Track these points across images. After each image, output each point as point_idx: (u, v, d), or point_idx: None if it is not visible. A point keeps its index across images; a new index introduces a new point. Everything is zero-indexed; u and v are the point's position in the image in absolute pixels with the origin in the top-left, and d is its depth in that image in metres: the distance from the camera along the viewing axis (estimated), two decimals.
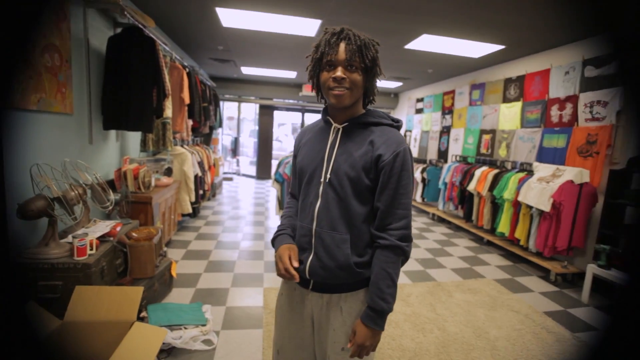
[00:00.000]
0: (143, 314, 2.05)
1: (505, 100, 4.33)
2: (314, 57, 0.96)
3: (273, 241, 1.07)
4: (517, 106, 4.11)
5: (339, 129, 1.00)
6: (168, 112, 2.96)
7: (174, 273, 2.54)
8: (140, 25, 2.53)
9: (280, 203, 3.92)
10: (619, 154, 2.98)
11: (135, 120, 2.51)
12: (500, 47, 3.76)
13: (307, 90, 7.32)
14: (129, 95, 2.47)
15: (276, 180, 3.88)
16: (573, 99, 3.38)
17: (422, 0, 2.70)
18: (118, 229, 2.09)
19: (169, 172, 3.42)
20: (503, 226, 3.71)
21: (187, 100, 3.53)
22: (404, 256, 0.95)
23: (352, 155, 0.95)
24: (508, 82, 4.28)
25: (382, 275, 0.93)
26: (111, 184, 2.63)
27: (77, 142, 2.32)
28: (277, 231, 1.08)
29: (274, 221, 4.70)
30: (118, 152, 3.01)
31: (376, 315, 0.92)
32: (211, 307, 2.34)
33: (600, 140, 3.09)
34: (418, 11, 2.93)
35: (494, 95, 4.56)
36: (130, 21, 2.51)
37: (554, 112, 3.60)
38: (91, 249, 1.76)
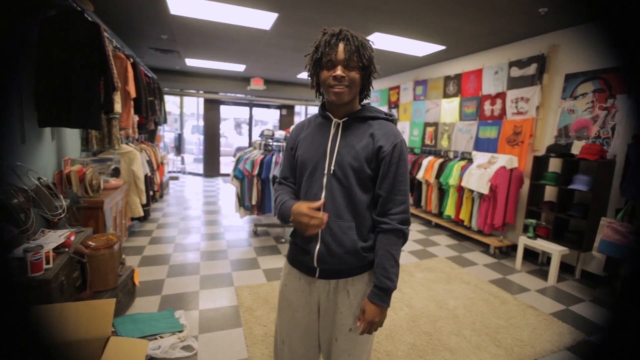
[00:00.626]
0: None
1: (446, 95, 4.78)
2: (314, 57, 1.01)
3: (280, 212, 1.07)
4: (456, 101, 4.57)
5: (339, 123, 1.06)
6: (117, 106, 2.68)
7: (136, 281, 2.36)
8: (78, 8, 2.25)
9: (240, 200, 3.83)
10: (539, 142, 3.52)
11: (80, 116, 2.23)
12: (441, 47, 4.12)
13: (256, 84, 7.15)
14: (70, 87, 2.18)
15: (235, 177, 3.78)
16: (502, 96, 3.88)
17: (377, 0, 2.85)
18: (72, 238, 1.87)
19: (116, 172, 3.11)
20: (449, 209, 4.13)
21: (133, 94, 3.23)
22: (404, 238, 1.04)
23: (354, 147, 1.02)
24: (447, 79, 4.72)
25: (386, 256, 1.01)
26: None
27: (6, 142, 1.99)
28: (279, 202, 1.09)
29: (231, 219, 4.57)
30: (54, 152, 2.65)
31: (383, 294, 1.01)
32: (184, 312, 2.23)
33: (524, 131, 3.61)
34: (372, 10, 3.08)
35: (435, 91, 4.99)
36: (67, 2, 2.21)
37: (487, 106, 4.09)
38: (47, 263, 1.56)
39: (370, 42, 1.03)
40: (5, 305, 0.83)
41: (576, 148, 3.04)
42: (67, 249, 1.78)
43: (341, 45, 0.95)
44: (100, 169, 2.95)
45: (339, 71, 0.95)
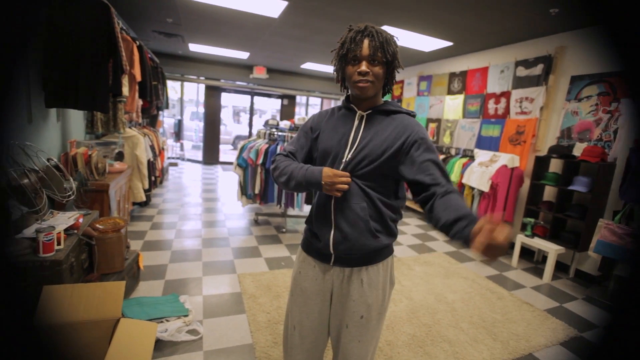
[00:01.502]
0: None
1: (450, 92, 4.78)
2: (340, 52, 1.03)
3: (307, 174, 1.04)
4: (459, 98, 4.58)
5: (363, 115, 1.08)
6: (125, 90, 2.65)
7: (141, 265, 2.38)
8: None
9: (243, 188, 3.84)
10: (541, 142, 3.56)
11: (88, 97, 2.21)
12: (448, 43, 4.12)
13: (259, 73, 7.08)
14: (78, 68, 2.16)
15: (239, 165, 3.78)
16: (507, 95, 3.90)
17: None
18: (81, 220, 1.88)
19: (120, 156, 3.09)
20: None
21: (138, 77, 3.19)
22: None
23: (377, 138, 1.04)
24: (452, 76, 4.72)
25: (460, 204, 0.90)
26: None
27: (12, 121, 1.98)
28: (301, 167, 1.08)
29: (231, 207, 4.58)
30: (59, 133, 2.63)
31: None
32: (188, 297, 2.26)
33: (527, 131, 3.65)
34: (383, 3, 3.06)
35: (439, 87, 4.99)
36: None
37: (491, 105, 4.11)
38: (58, 244, 1.57)
39: (395, 38, 1.04)
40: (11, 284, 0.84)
41: (578, 150, 3.08)
42: (76, 231, 1.79)
43: (366, 42, 0.98)
44: (104, 152, 2.93)
45: (363, 67, 0.98)
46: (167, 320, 1.93)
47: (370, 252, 1.08)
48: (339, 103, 1.20)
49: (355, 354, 1.12)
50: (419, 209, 4.85)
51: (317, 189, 1.04)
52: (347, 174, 1.01)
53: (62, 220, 1.75)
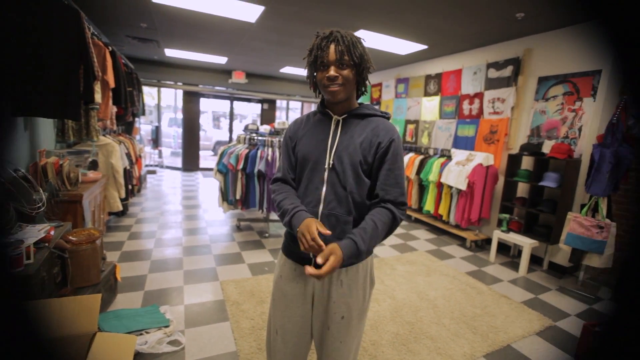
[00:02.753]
0: None
1: (426, 94, 4.91)
2: (309, 60, 1.06)
3: (290, 220, 1.04)
4: (436, 100, 4.71)
5: (339, 120, 1.10)
6: (97, 97, 2.58)
7: (118, 277, 2.30)
8: None
9: (224, 194, 3.79)
10: (513, 141, 3.71)
11: (58, 105, 2.13)
12: (424, 46, 4.24)
13: (238, 77, 7.03)
14: (47, 75, 2.08)
15: (219, 171, 3.73)
16: (480, 96, 4.04)
17: None
18: (52, 233, 1.81)
19: (94, 165, 2.99)
20: (429, 205, 4.28)
21: (112, 84, 3.10)
22: (393, 216, 1.03)
23: (353, 143, 1.06)
24: (428, 78, 4.86)
25: (368, 222, 1.01)
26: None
27: None
28: (292, 209, 1.06)
29: (213, 214, 4.51)
30: (27, 143, 2.52)
31: (353, 247, 0.96)
32: (169, 307, 2.21)
33: (500, 130, 3.79)
34: (358, 7, 3.12)
35: (416, 89, 5.12)
36: None
37: (466, 106, 4.25)
38: (27, 259, 1.51)
39: (362, 39, 1.07)
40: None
41: (547, 147, 3.23)
42: (47, 244, 1.72)
43: (332, 47, 1.00)
44: (77, 162, 2.83)
45: (332, 71, 1.01)
46: (147, 332, 1.88)
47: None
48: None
49: (338, 355, 1.13)
50: None
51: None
52: (321, 244, 0.93)
53: (32, 233, 1.68)
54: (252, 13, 3.43)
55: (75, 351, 1.41)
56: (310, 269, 0.90)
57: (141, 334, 1.86)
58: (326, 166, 1.07)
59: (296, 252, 1.13)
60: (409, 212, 4.81)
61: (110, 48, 3.16)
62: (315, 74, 1.06)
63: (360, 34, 3.94)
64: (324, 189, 1.07)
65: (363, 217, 1.08)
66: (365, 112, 1.11)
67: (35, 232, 1.70)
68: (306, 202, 1.10)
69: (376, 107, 1.17)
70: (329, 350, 1.14)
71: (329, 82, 1.02)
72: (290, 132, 1.20)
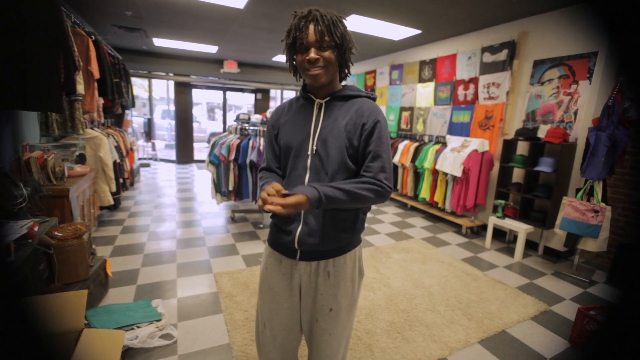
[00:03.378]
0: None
1: (421, 80, 4.83)
2: (287, 42, 0.99)
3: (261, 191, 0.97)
4: (430, 86, 4.64)
5: (321, 104, 1.05)
6: (80, 88, 2.49)
7: (109, 272, 2.27)
8: None
9: (217, 186, 3.74)
10: (508, 126, 3.66)
11: (38, 97, 2.05)
12: (417, 31, 4.14)
13: (229, 67, 6.89)
14: (24, 66, 2.00)
15: (211, 162, 3.68)
16: (475, 81, 3.98)
17: None
18: (36, 228, 1.76)
19: (81, 159, 2.92)
20: (424, 192, 4.26)
21: (96, 75, 3.01)
22: (373, 185, 0.96)
23: (337, 126, 1.01)
24: (423, 64, 4.77)
25: (339, 184, 0.96)
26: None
27: None
28: (262, 185, 1.05)
29: (207, 206, 4.47)
30: (10, 137, 2.44)
31: (315, 195, 0.91)
32: (161, 300, 2.19)
33: (495, 116, 3.74)
34: None
35: (411, 76, 5.03)
36: None
37: (460, 91, 4.19)
38: (9, 256, 1.46)
39: (343, 19, 1.01)
40: None
41: (542, 132, 3.19)
42: (30, 240, 1.67)
43: (311, 27, 0.94)
44: (63, 156, 2.76)
45: (312, 54, 0.95)
46: (139, 327, 1.86)
47: (336, 248, 1.07)
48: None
49: (327, 347, 1.11)
50: (397, 197, 4.92)
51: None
52: (273, 192, 0.88)
53: (14, 230, 1.63)
54: None
55: (62, 348, 1.38)
56: (273, 201, 0.86)
57: (132, 329, 1.83)
58: (309, 152, 1.02)
59: (282, 243, 1.10)
60: (404, 200, 4.79)
61: (93, 37, 3.05)
62: (294, 56, 1.00)
63: (352, 19, 3.86)
64: (307, 175, 1.03)
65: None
66: (348, 93, 1.06)
67: (17, 229, 1.65)
68: (289, 188, 1.06)
69: (361, 89, 1.12)
70: (318, 343, 1.11)
71: (310, 65, 0.96)
72: (272, 120, 1.14)
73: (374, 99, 1.10)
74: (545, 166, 3.08)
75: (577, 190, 2.85)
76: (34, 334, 1.29)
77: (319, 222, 1.02)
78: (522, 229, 3.15)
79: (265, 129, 3.57)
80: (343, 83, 1.11)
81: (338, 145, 1.00)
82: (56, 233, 1.87)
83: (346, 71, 1.08)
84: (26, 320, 1.33)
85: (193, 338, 1.88)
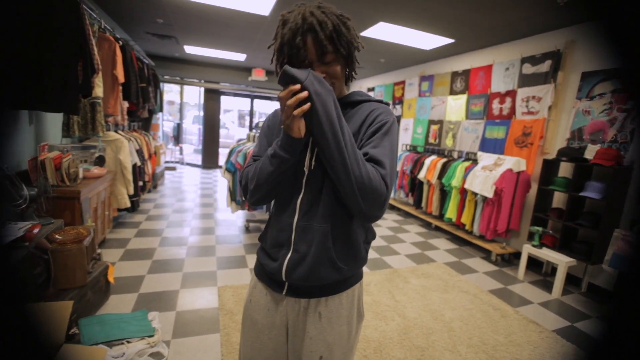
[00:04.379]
0: (74, 330, 1.74)
1: (452, 92, 4.55)
2: (279, 58, 0.82)
3: (270, 159, 0.82)
4: (462, 98, 4.35)
5: None
6: (98, 90, 2.52)
7: (110, 278, 2.21)
8: None
9: (232, 194, 3.67)
10: (549, 144, 3.30)
11: (55, 98, 2.06)
12: (450, 40, 3.90)
13: (257, 75, 6.95)
14: (44, 68, 2.02)
15: (227, 170, 3.62)
16: (512, 94, 3.65)
17: None
18: (35, 231, 1.72)
19: (100, 161, 2.96)
20: (451, 212, 3.94)
21: (121, 79, 3.06)
22: (375, 174, 0.76)
23: None
24: (455, 75, 4.49)
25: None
26: (24, 176, 2.17)
27: None
28: (261, 161, 0.87)
29: (224, 213, 4.42)
30: (32, 137, 2.50)
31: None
32: (159, 313, 2.09)
33: (534, 132, 3.39)
34: None
35: (441, 88, 4.76)
36: None
37: (495, 105, 3.87)
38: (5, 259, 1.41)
39: (345, 18, 0.83)
40: None
41: (590, 152, 2.82)
42: (27, 243, 1.63)
43: (309, 41, 0.77)
44: (82, 157, 2.80)
45: (316, 72, 0.78)
46: (129, 342, 1.76)
47: (330, 284, 0.89)
48: None
49: None
50: (421, 215, 4.62)
51: (290, 150, 0.79)
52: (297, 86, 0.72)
53: (10, 232, 1.59)
54: (265, 6, 3.28)
55: None
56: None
57: (122, 343, 1.74)
58: (305, 168, 0.86)
59: (268, 273, 0.93)
60: (428, 219, 4.48)
61: (120, 42, 3.12)
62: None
63: (380, 27, 3.69)
64: (301, 196, 0.86)
65: (345, 230, 0.86)
66: (357, 98, 0.90)
67: (15, 231, 1.61)
68: (279, 212, 0.90)
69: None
70: None
71: None
72: (269, 122, 0.97)
73: (387, 104, 0.93)
74: (592, 191, 2.70)
75: (633, 222, 2.45)
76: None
77: (310, 249, 0.84)
78: (562, 261, 2.77)
79: None
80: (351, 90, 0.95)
81: None
82: (57, 236, 1.83)
83: (352, 74, 0.91)
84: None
85: (183, 359, 1.75)
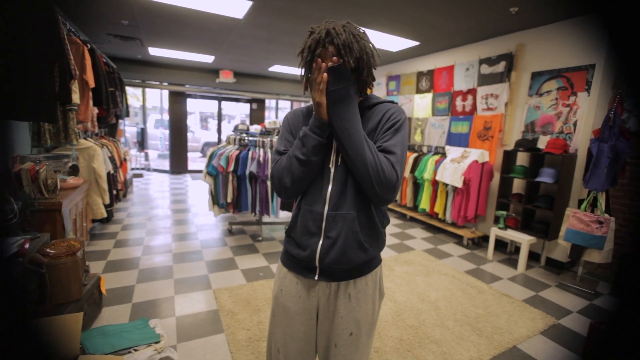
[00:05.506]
0: None
1: (418, 91, 4.86)
2: (303, 64, 0.97)
3: (301, 143, 0.95)
4: (428, 97, 4.67)
5: None
6: (75, 97, 2.41)
7: (103, 290, 2.15)
8: None
9: (214, 197, 3.65)
10: (507, 137, 3.68)
11: (31, 106, 1.97)
12: (415, 43, 4.18)
13: (225, 77, 6.86)
14: (18, 74, 1.92)
15: (209, 173, 3.59)
16: (473, 92, 4.01)
17: None
18: (27, 246, 1.65)
19: (74, 170, 2.82)
20: (424, 203, 4.23)
21: (92, 84, 2.93)
22: (387, 163, 0.90)
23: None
24: (420, 75, 4.81)
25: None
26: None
27: None
28: (294, 147, 0.97)
29: (203, 218, 4.36)
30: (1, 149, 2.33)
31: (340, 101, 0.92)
32: (159, 320, 2.07)
33: (494, 126, 3.76)
34: (350, 2, 3.02)
35: (408, 87, 5.06)
36: None
37: (459, 102, 4.21)
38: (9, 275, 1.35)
39: (360, 35, 0.94)
40: None
41: (542, 142, 3.21)
42: (21, 259, 1.56)
43: (332, 50, 0.91)
44: (55, 167, 2.65)
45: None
46: (136, 350, 1.74)
47: (358, 265, 1.01)
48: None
49: None
50: (396, 208, 4.88)
51: (318, 132, 0.93)
52: (321, 64, 0.89)
53: (7, 247, 1.52)
54: (240, 9, 3.30)
55: None
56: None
57: (129, 352, 1.72)
58: (331, 165, 0.98)
59: (298, 261, 1.03)
60: (403, 211, 4.76)
61: (89, 46, 2.98)
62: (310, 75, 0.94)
63: None
64: (330, 188, 0.97)
65: (372, 218, 0.99)
66: (372, 102, 1.02)
67: (9, 246, 1.54)
68: (309, 202, 1.00)
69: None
70: None
71: None
72: (291, 123, 1.07)
73: (395, 103, 1.06)
74: (546, 177, 3.08)
75: (580, 201, 2.85)
76: None
77: (340, 234, 0.96)
78: (525, 240, 3.13)
79: (264, 140, 3.52)
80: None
81: None
82: (48, 250, 1.76)
83: (370, 85, 1.01)
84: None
85: None
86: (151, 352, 1.74)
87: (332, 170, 0.98)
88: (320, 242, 0.98)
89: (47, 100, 2.06)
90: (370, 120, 1.00)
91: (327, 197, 0.97)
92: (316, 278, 1.01)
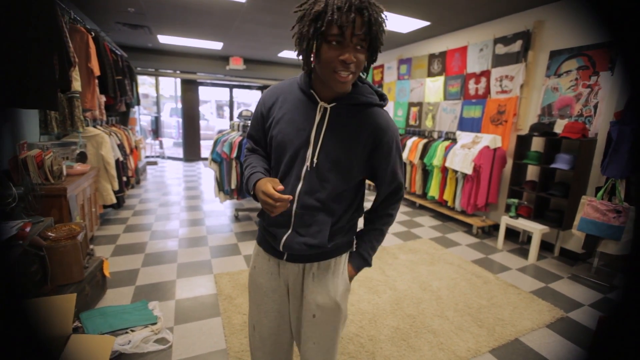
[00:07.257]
0: (76, 323, 1.76)
1: (430, 74, 4.67)
2: (317, 24, 0.76)
3: (247, 182, 0.98)
4: (440, 80, 4.47)
5: (326, 108, 0.90)
6: (76, 84, 2.45)
7: (106, 272, 2.22)
8: None
9: (219, 184, 3.68)
10: (522, 121, 3.48)
11: (33, 95, 2.01)
12: (426, 23, 3.98)
13: (235, 64, 6.83)
14: (19, 63, 1.95)
15: (213, 160, 3.62)
16: (486, 74, 3.80)
17: None
18: (27, 229, 1.71)
19: (82, 157, 2.89)
20: (433, 190, 4.11)
21: (96, 72, 2.97)
22: (399, 199, 1.07)
23: (343, 141, 0.89)
24: (432, 57, 4.60)
25: (377, 234, 1.07)
26: (6, 176, 2.12)
27: None
28: (249, 172, 0.98)
29: (212, 204, 4.42)
30: (9, 136, 2.42)
31: (362, 264, 1.06)
32: (158, 303, 2.13)
33: (508, 110, 3.57)
34: None
35: (419, 70, 4.87)
36: None
37: (471, 85, 4.01)
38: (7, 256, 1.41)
39: (383, 15, 0.81)
40: None
41: (559, 127, 3.01)
42: (21, 242, 1.62)
43: (359, 20, 0.74)
44: (63, 154, 2.73)
45: (350, 55, 0.76)
46: (133, 331, 1.80)
47: (324, 251, 0.99)
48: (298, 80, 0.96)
49: (311, 356, 1.02)
50: (406, 196, 4.77)
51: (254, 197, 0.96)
52: (286, 197, 0.82)
53: (5, 230, 1.58)
54: None
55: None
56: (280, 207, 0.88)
57: (126, 332, 1.78)
58: (307, 163, 0.90)
59: (269, 242, 1.02)
60: (412, 199, 4.65)
61: (92, 34, 3.01)
62: (320, 46, 0.78)
63: None
64: (300, 186, 0.92)
65: (340, 216, 0.97)
66: (360, 100, 0.90)
67: (7, 230, 1.60)
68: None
69: (371, 86, 0.96)
70: (304, 351, 1.04)
71: (343, 67, 0.77)
72: (264, 107, 0.97)
73: (385, 102, 0.96)
74: (562, 163, 2.91)
75: (597, 189, 2.67)
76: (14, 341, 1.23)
77: (307, 232, 0.94)
78: (537, 229, 2.99)
79: None
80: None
81: (342, 163, 0.90)
82: (49, 234, 1.82)
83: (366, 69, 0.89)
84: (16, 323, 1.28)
85: (189, 343, 1.81)
86: (147, 333, 1.79)
87: (305, 170, 0.91)
88: (287, 234, 0.96)
89: (47, 88, 2.09)
90: (355, 128, 0.89)
91: (296, 196, 0.93)
92: (284, 259, 1.01)
